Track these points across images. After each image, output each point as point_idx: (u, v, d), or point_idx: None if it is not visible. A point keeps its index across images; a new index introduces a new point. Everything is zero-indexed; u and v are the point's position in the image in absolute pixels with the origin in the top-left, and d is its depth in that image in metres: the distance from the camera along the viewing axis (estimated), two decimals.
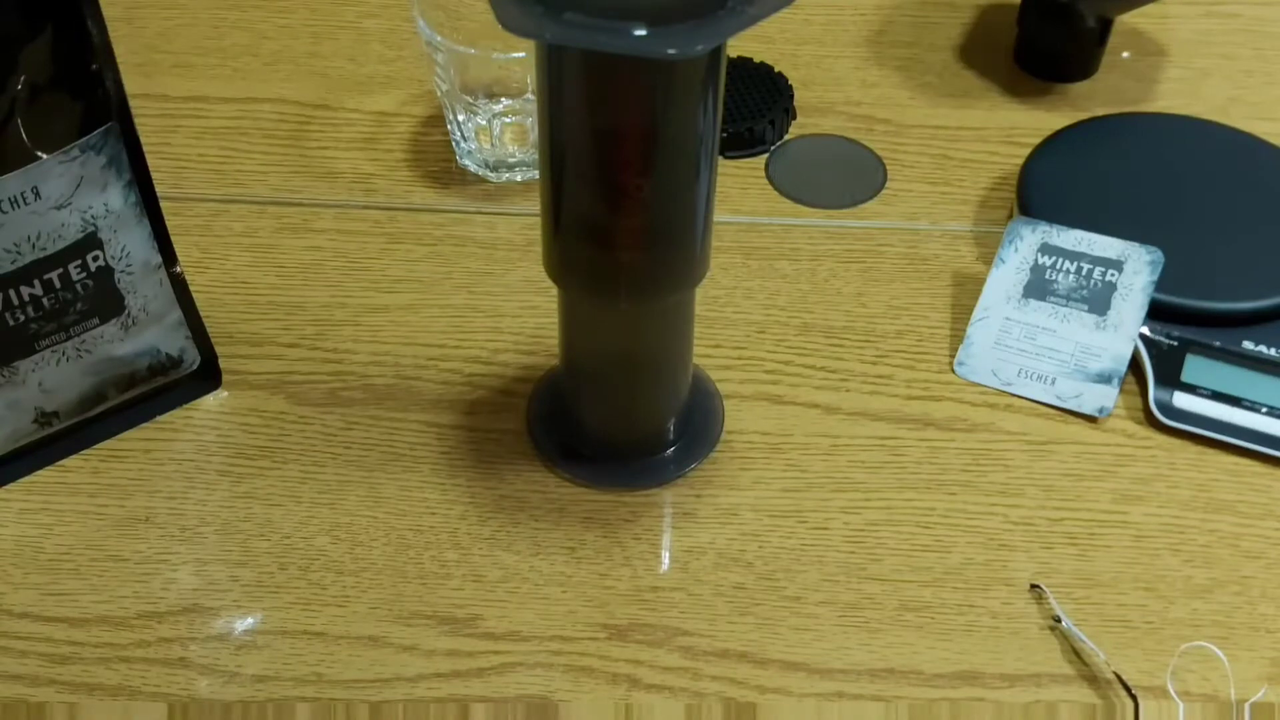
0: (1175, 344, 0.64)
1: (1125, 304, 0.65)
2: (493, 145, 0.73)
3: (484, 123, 0.71)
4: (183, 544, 0.58)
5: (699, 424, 0.62)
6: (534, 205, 0.71)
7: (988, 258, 0.69)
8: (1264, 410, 0.62)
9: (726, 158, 0.75)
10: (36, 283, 0.55)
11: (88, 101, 0.54)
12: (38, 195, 0.53)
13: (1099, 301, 0.65)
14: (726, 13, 0.44)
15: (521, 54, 0.68)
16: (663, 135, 0.49)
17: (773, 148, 0.76)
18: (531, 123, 0.71)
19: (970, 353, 0.65)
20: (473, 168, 0.74)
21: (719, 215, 0.72)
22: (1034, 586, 0.57)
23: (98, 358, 0.59)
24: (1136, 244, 0.66)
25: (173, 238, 0.60)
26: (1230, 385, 0.63)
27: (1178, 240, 0.67)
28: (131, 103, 0.55)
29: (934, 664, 0.54)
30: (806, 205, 0.73)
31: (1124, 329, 0.64)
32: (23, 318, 0.56)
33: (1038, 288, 0.66)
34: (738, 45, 0.79)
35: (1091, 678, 0.54)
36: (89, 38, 0.53)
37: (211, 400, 0.63)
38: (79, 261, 0.56)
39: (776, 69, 0.79)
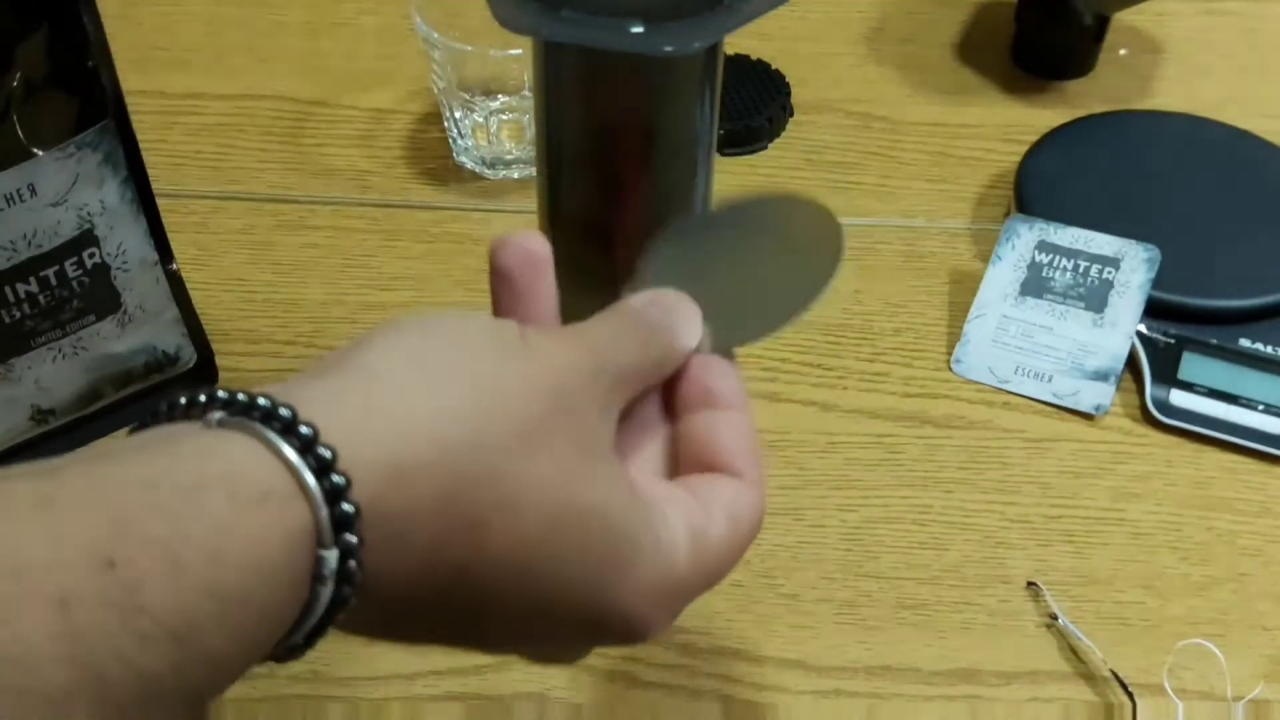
0: (1172, 341, 0.64)
1: (1122, 301, 0.65)
2: (490, 142, 0.72)
3: (481, 120, 0.71)
4: None
5: None
6: (531, 202, 0.71)
7: (985, 255, 0.69)
8: (1260, 408, 0.62)
9: (724, 155, 0.75)
10: (32, 280, 0.55)
11: (84, 98, 0.54)
12: (34, 192, 0.53)
13: (1096, 299, 0.65)
14: (723, 10, 0.44)
15: (518, 51, 0.68)
16: (660, 133, 0.49)
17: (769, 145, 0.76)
18: (528, 120, 0.71)
19: (967, 350, 0.65)
20: (470, 165, 0.74)
21: None
22: (1031, 584, 0.57)
23: (94, 355, 0.59)
24: (1133, 241, 0.66)
25: (169, 235, 0.59)
26: (1227, 383, 0.63)
27: (1175, 238, 0.67)
28: (128, 99, 0.55)
29: (931, 661, 0.54)
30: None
31: (1121, 326, 0.64)
32: (19, 315, 0.56)
33: (1035, 285, 0.66)
34: (735, 42, 0.79)
35: (1089, 675, 0.54)
36: (85, 34, 0.53)
37: None
38: (75, 258, 0.56)
39: (774, 66, 0.79)
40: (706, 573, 0.35)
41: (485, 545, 0.31)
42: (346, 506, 0.28)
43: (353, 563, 0.28)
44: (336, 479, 0.28)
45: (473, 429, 0.31)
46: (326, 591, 0.28)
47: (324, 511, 0.28)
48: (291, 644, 0.29)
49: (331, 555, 0.28)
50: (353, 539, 0.28)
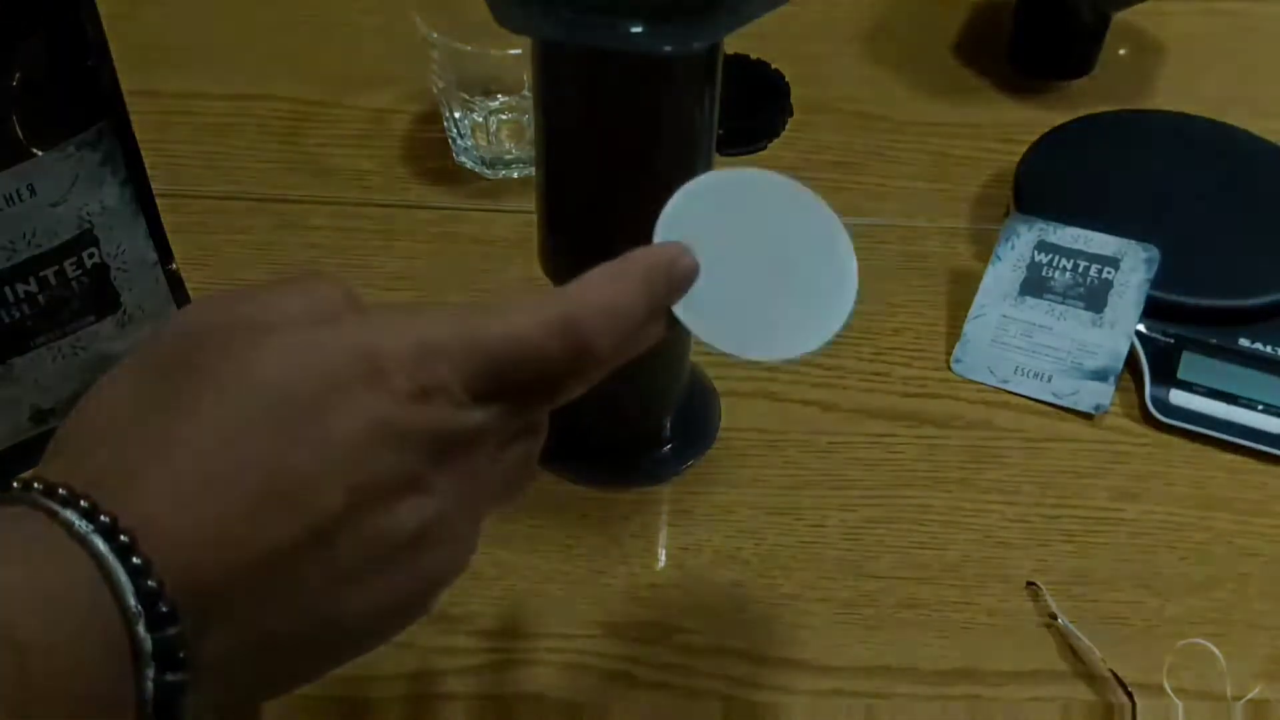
0: (1171, 341, 0.64)
1: (1121, 301, 0.65)
2: (489, 142, 0.72)
3: (480, 119, 0.71)
4: None
5: (696, 421, 0.62)
6: (530, 202, 0.71)
7: (984, 255, 0.69)
8: (1260, 407, 0.62)
9: (723, 155, 0.75)
10: (32, 280, 0.55)
11: (83, 98, 0.54)
12: (33, 192, 0.53)
13: (1095, 299, 0.65)
14: (723, 10, 0.44)
15: (518, 51, 0.67)
16: (659, 132, 0.49)
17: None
18: (528, 119, 0.71)
19: (967, 350, 0.65)
20: (469, 164, 0.74)
21: None
22: (1030, 584, 0.57)
23: (93, 355, 0.59)
24: (1133, 241, 0.66)
25: (169, 235, 0.59)
26: (1226, 383, 0.63)
27: (1174, 238, 0.67)
28: (127, 99, 0.55)
29: (931, 661, 0.54)
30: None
31: (1120, 326, 0.64)
32: (18, 315, 0.56)
33: (1034, 285, 0.66)
34: (735, 42, 0.79)
35: (1088, 675, 0.54)
36: (84, 34, 0.53)
37: None
38: (74, 259, 0.56)
39: (774, 66, 0.79)
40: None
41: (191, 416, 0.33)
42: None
43: (83, 503, 0.31)
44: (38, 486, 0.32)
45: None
46: (82, 523, 0.30)
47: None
48: (161, 635, 0.31)
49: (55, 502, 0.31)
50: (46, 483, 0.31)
